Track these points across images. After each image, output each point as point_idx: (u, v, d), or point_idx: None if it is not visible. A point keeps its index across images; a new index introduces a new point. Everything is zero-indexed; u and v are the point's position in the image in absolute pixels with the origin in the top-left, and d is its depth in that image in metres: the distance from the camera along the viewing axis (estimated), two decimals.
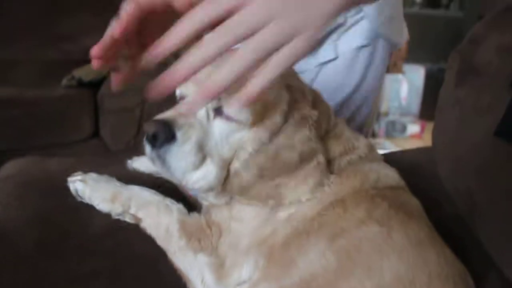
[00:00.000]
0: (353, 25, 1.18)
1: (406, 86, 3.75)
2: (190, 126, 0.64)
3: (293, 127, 0.67)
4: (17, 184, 0.78)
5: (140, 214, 0.74)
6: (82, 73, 2.57)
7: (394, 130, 3.72)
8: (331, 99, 1.05)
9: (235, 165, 0.67)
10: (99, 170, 0.82)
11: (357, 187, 0.70)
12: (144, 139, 0.64)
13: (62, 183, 0.80)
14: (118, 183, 0.78)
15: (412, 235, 0.66)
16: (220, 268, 0.69)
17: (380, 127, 3.64)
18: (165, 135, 0.62)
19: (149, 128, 0.62)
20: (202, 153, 0.64)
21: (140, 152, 1.11)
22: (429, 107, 4.04)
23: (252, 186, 0.67)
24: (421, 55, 4.40)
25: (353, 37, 1.19)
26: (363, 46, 1.20)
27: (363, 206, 0.68)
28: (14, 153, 2.27)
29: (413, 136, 3.74)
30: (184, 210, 0.75)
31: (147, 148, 0.65)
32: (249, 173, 0.66)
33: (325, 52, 1.20)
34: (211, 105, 0.66)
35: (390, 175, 0.76)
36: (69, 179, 0.78)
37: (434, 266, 0.64)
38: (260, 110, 0.66)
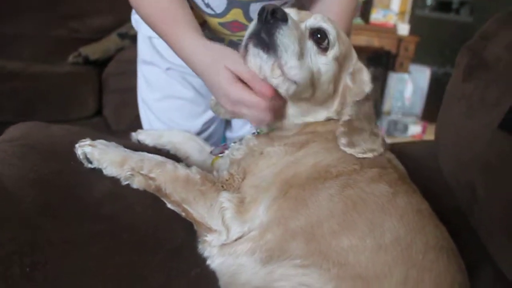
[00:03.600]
0: None
1: (411, 86, 3.74)
2: (296, 26, 0.74)
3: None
4: (21, 146, 0.78)
5: (153, 174, 0.76)
6: (88, 51, 2.57)
7: (396, 129, 3.72)
8: None
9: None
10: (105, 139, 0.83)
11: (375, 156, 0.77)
12: (257, 15, 0.71)
13: (65, 148, 0.81)
14: (127, 149, 0.80)
15: (414, 204, 0.71)
16: (240, 203, 0.73)
17: (382, 125, 3.64)
18: (281, 16, 0.71)
19: (269, 6, 0.70)
20: (300, 48, 0.73)
21: None
22: (432, 109, 4.03)
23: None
24: (428, 57, 4.38)
25: None
26: None
27: (376, 169, 0.74)
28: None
29: (414, 137, 3.74)
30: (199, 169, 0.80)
31: (256, 23, 0.72)
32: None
33: None
34: (309, 24, 0.77)
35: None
36: (78, 143, 0.79)
37: (431, 237, 0.67)
38: (342, 52, 0.79)
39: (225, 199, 0.73)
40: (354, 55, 0.83)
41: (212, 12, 0.94)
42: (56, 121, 2.33)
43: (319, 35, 0.76)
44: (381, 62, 3.43)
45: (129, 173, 0.76)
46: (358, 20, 3.31)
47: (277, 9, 0.70)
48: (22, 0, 2.98)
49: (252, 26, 0.73)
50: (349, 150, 0.74)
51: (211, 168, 0.87)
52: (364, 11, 3.36)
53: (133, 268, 0.68)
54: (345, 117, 0.76)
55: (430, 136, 3.82)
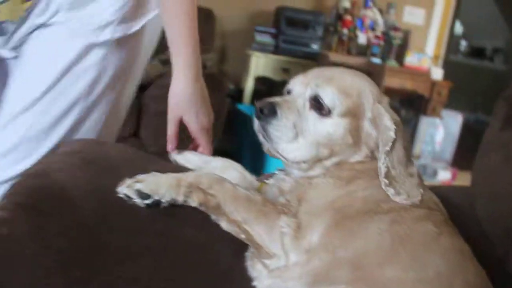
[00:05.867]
0: None
1: (442, 131, 3.74)
2: (289, 109, 0.80)
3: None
4: (81, 159, 0.84)
5: (212, 190, 0.78)
6: None
7: (425, 173, 3.71)
8: None
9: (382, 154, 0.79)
10: (148, 164, 0.88)
11: (424, 198, 0.80)
12: (253, 114, 0.81)
13: (119, 164, 0.86)
14: (173, 173, 0.82)
15: (456, 245, 0.75)
16: (297, 229, 0.75)
17: None
18: (269, 111, 0.79)
19: (258, 104, 0.80)
20: (296, 131, 0.80)
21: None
22: (462, 155, 4.02)
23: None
24: (460, 102, 4.37)
25: None
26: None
27: (424, 210, 0.78)
28: None
29: (443, 183, 3.71)
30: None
31: (255, 121, 0.82)
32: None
33: None
34: (308, 94, 0.81)
35: None
36: (122, 186, 0.78)
37: (472, 276, 0.71)
38: (350, 106, 0.80)
39: (284, 223, 0.75)
40: (369, 99, 0.83)
41: None
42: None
43: (317, 103, 0.80)
44: (414, 105, 3.45)
45: (187, 189, 0.77)
46: (393, 63, 3.36)
47: (264, 107, 0.79)
48: None
49: (255, 123, 0.83)
50: (397, 199, 0.77)
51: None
52: (399, 54, 3.41)
53: (182, 285, 0.71)
54: (383, 169, 0.79)
55: (459, 182, 3.79)
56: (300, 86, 0.82)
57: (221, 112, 2.69)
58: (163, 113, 2.47)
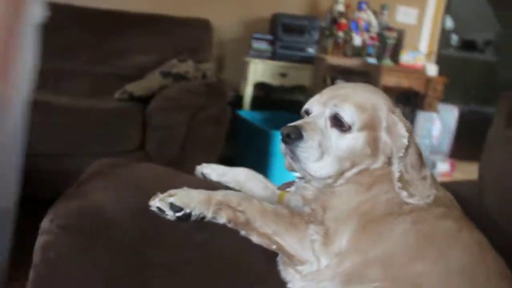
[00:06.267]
0: None
1: (439, 125, 3.81)
2: (313, 130, 0.86)
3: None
4: (113, 182, 0.89)
5: (241, 207, 0.83)
6: (133, 88, 2.73)
7: None
8: None
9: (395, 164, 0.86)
10: (176, 179, 0.93)
11: (440, 196, 0.88)
12: (280, 138, 0.87)
13: (148, 184, 0.91)
14: (203, 190, 0.88)
15: (476, 238, 0.83)
16: (325, 235, 0.82)
17: None
18: (295, 135, 0.85)
19: (284, 130, 0.85)
20: (322, 149, 0.85)
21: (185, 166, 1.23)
22: (459, 147, 4.09)
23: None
24: (454, 95, 4.43)
25: None
26: None
27: (442, 208, 0.85)
28: (66, 158, 2.45)
29: (443, 175, 3.78)
30: None
31: (282, 145, 0.87)
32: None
33: None
34: (328, 114, 0.87)
35: None
36: (155, 199, 0.84)
37: (493, 265, 0.79)
38: (366, 119, 0.87)
39: (313, 231, 0.82)
40: (383, 110, 0.89)
41: None
42: (101, 154, 2.48)
43: (337, 121, 0.86)
44: (410, 101, 3.52)
45: (217, 206, 0.83)
46: (388, 62, 3.42)
47: (290, 132, 0.85)
48: (73, 38, 3.18)
49: (281, 147, 0.89)
50: (410, 200, 0.84)
51: (278, 203, 0.97)
52: (394, 53, 3.47)
53: None
54: (396, 174, 0.85)
55: (458, 173, 3.86)
56: (318, 106, 0.89)
57: (223, 120, 2.75)
58: (167, 126, 2.56)
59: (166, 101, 2.57)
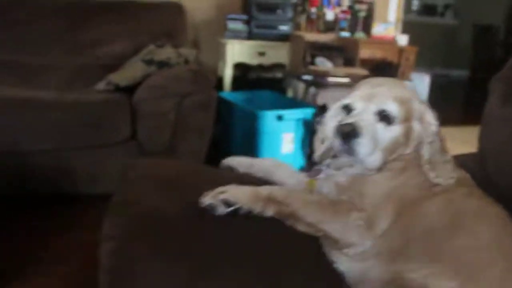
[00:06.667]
0: None
1: None
2: (366, 126, 0.94)
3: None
4: (156, 181, 0.96)
5: (287, 200, 0.93)
6: (118, 78, 2.72)
7: None
8: None
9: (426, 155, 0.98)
10: (211, 176, 1.00)
11: (461, 177, 1.00)
12: (337, 135, 0.94)
13: (187, 180, 1.00)
14: (249, 187, 0.97)
15: (499, 212, 0.95)
16: (367, 220, 0.92)
17: None
18: (353, 132, 0.93)
19: (343, 128, 0.93)
20: (374, 143, 0.94)
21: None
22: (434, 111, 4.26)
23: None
24: (420, 60, 4.57)
25: None
26: None
27: (466, 188, 0.98)
28: (58, 153, 2.46)
29: None
30: None
31: (337, 141, 0.94)
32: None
33: None
34: (374, 109, 0.95)
35: None
36: (209, 195, 0.94)
37: None
38: (405, 112, 0.97)
39: (356, 217, 0.92)
40: (415, 102, 1.00)
41: None
42: (92, 146, 2.50)
43: (384, 115, 0.96)
44: (384, 72, 3.64)
45: (264, 201, 0.93)
46: (361, 35, 3.52)
47: (348, 130, 0.92)
48: (44, 31, 3.13)
49: (338, 143, 0.95)
50: (437, 181, 0.96)
51: (307, 190, 1.06)
52: (366, 25, 3.57)
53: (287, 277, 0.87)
54: (425, 157, 0.97)
55: None
56: (362, 103, 0.97)
57: (211, 105, 2.79)
58: (157, 114, 2.58)
59: (154, 89, 2.58)
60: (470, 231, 0.89)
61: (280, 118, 2.95)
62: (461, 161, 1.21)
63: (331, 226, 0.92)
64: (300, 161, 3.15)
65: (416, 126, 0.99)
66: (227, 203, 0.92)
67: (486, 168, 1.18)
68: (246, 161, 1.20)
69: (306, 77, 3.18)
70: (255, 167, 1.18)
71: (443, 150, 0.99)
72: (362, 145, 0.92)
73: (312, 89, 3.18)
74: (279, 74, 3.60)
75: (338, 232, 0.92)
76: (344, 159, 0.99)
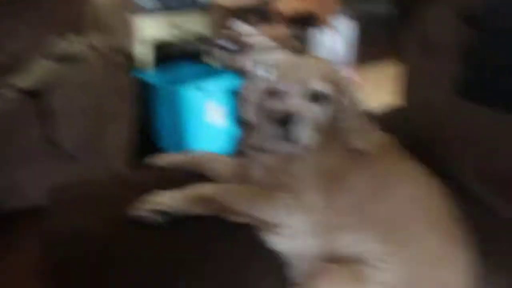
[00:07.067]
0: None
1: (337, 38, 3.89)
2: (298, 110, 0.95)
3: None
4: (85, 206, 1.01)
5: (218, 196, 0.96)
6: (22, 80, 2.47)
7: None
8: None
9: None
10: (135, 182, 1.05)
11: (383, 141, 1.03)
12: (272, 123, 0.95)
13: (120, 194, 1.04)
14: (176, 190, 0.98)
15: (419, 172, 0.99)
16: (296, 197, 0.93)
17: None
18: (289, 119, 0.94)
19: (278, 116, 0.94)
20: (310, 126, 0.95)
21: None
22: (359, 53, 4.26)
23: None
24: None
25: None
26: None
27: (386, 150, 1.00)
28: None
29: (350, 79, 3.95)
30: None
31: (275, 129, 0.95)
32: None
33: None
34: (303, 90, 0.95)
35: None
36: (139, 208, 0.96)
37: (438, 186, 0.97)
38: (331, 87, 0.97)
39: (286, 197, 0.93)
40: (336, 75, 1.01)
41: None
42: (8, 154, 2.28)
43: (314, 95, 0.97)
44: (307, 23, 3.56)
45: (193, 201, 0.94)
46: None
47: (283, 118, 0.94)
48: None
49: (274, 131, 0.97)
50: (358, 146, 0.97)
51: (240, 175, 1.07)
52: None
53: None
54: (344, 126, 0.98)
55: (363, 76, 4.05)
56: (291, 86, 0.97)
57: (128, 90, 2.65)
58: (73, 111, 2.39)
59: (68, 86, 2.39)
60: (393, 195, 0.93)
61: (203, 90, 2.85)
62: (387, 117, 1.19)
63: (263, 212, 0.93)
64: (234, 132, 3.06)
65: (344, 100, 0.98)
66: (159, 212, 0.93)
67: (411, 123, 1.14)
68: (175, 158, 1.19)
69: (227, 44, 3.05)
70: (185, 163, 1.17)
71: (360, 114, 1.00)
72: (301, 131, 0.94)
73: (233, 55, 3.06)
74: (200, 46, 3.43)
75: (269, 216, 0.93)
76: (275, 143, 0.99)
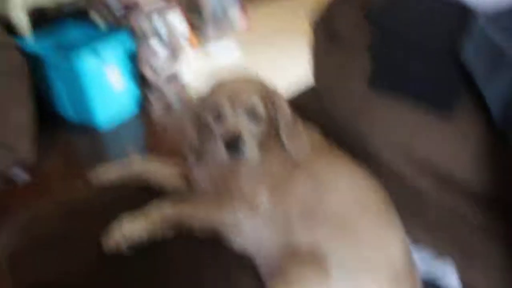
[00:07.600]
0: None
1: None
2: (246, 131, 1.04)
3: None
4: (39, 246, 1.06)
5: (178, 212, 1.04)
6: None
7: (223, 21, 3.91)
8: None
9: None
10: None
11: (314, 141, 1.13)
12: (223, 146, 1.04)
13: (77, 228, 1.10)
14: (135, 216, 1.03)
15: (352, 166, 1.10)
16: (244, 200, 1.03)
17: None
18: (236, 140, 1.03)
19: (229, 141, 1.03)
20: (254, 142, 1.06)
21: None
22: None
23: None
24: None
25: None
26: None
27: (318, 150, 1.11)
28: None
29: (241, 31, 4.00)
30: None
31: (226, 151, 1.04)
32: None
33: None
34: (243, 112, 1.06)
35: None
36: (107, 239, 1.01)
37: (362, 175, 1.08)
38: (265, 103, 1.07)
39: (235, 202, 1.03)
40: (269, 91, 1.10)
41: None
42: None
43: (252, 114, 1.06)
44: None
45: (154, 223, 1.02)
46: None
47: (232, 142, 1.03)
48: None
49: (225, 152, 1.05)
50: (293, 153, 1.08)
51: (185, 184, 1.17)
52: None
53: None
54: (282, 134, 1.09)
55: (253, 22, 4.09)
56: (231, 109, 1.05)
57: (17, 69, 2.48)
58: None
59: None
60: (334, 191, 1.03)
61: (97, 53, 2.72)
62: (302, 99, 1.30)
63: (216, 218, 1.04)
64: (135, 94, 3.02)
65: (271, 109, 1.09)
66: (125, 242, 1.00)
67: (323, 103, 1.26)
68: (114, 171, 1.22)
69: (111, 1, 2.91)
70: (125, 172, 1.21)
71: (293, 122, 1.10)
72: (249, 150, 1.04)
73: (121, 13, 2.93)
74: (86, 5, 3.16)
75: (222, 221, 1.04)
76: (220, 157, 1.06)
